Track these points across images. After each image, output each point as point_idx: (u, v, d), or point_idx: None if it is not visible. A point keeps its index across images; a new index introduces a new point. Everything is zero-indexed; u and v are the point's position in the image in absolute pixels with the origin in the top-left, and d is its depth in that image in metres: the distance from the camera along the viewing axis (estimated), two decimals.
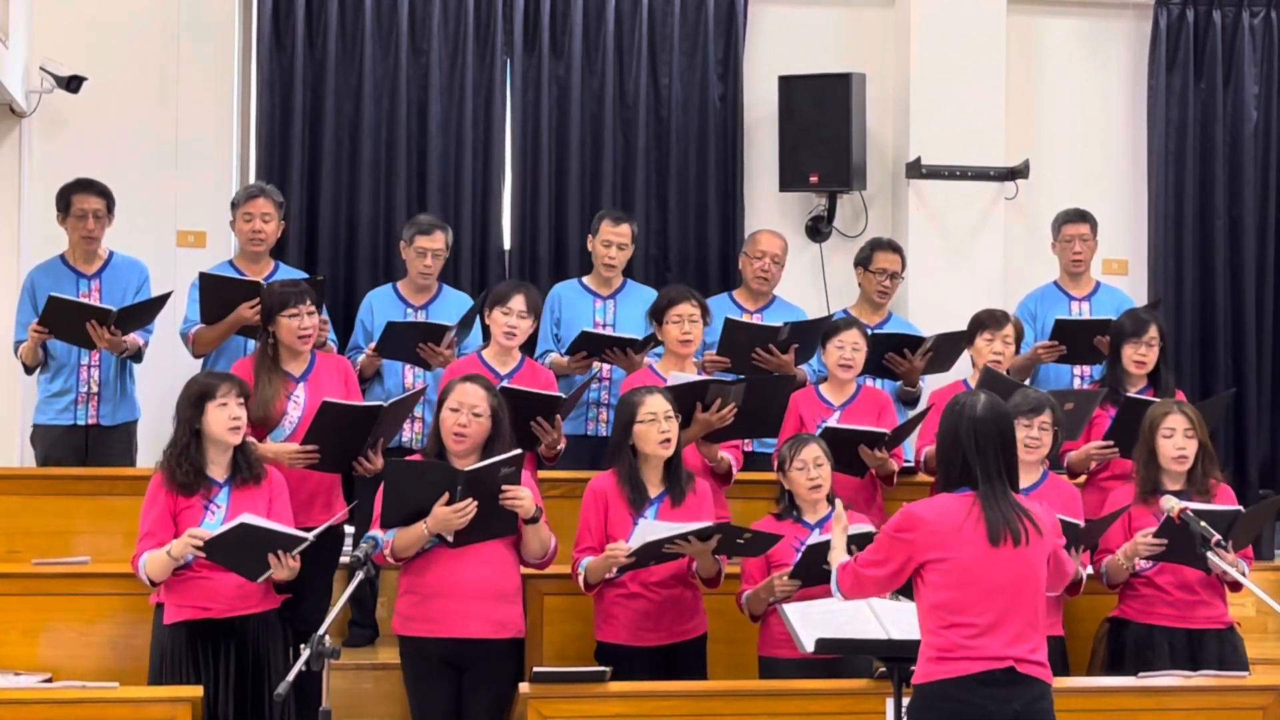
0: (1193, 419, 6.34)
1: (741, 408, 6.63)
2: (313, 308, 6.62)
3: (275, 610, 5.99)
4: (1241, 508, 6.28)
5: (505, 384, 6.65)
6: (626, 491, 6.10)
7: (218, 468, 5.94)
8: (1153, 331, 7.15)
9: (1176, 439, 6.32)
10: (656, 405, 6.09)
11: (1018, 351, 7.43)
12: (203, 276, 7.20)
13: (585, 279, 7.95)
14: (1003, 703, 4.73)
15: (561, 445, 6.90)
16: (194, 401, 5.93)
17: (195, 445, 5.92)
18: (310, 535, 5.75)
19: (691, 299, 7.04)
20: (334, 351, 7.23)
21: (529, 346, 7.32)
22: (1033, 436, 6.32)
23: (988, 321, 7.25)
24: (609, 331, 7.62)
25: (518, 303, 6.89)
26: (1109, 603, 6.47)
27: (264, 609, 5.93)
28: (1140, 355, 7.13)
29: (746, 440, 7.23)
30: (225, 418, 5.89)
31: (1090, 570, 6.33)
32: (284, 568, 5.69)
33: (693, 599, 6.17)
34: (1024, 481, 6.32)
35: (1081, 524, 6.18)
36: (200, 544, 5.63)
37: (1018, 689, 4.75)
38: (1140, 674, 6.00)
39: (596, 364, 7.52)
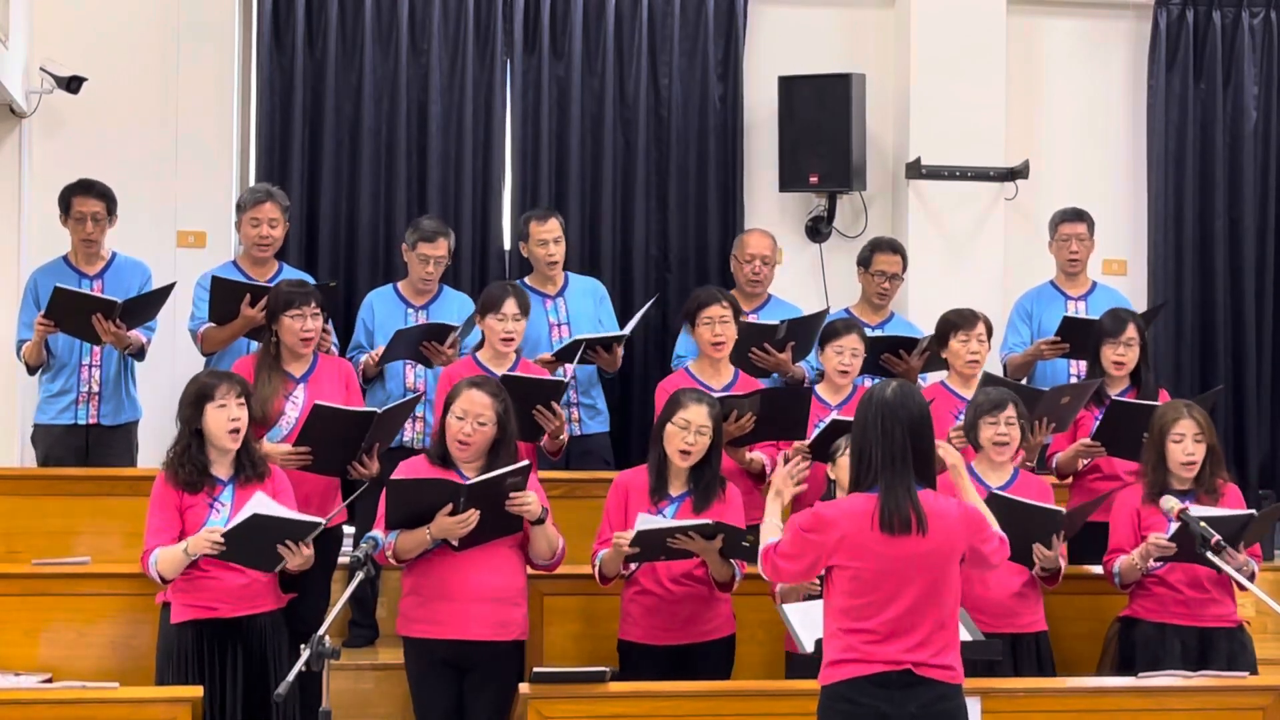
0: (1202, 423, 6.34)
1: (761, 415, 6.64)
2: (317, 309, 6.62)
3: (281, 610, 5.99)
4: (1255, 511, 6.30)
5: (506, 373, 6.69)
6: (651, 481, 6.12)
7: (221, 466, 5.93)
8: (1130, 331, 7.12)
9: (1186, 444, 6.33)
10: (692, 415, 6.07)
11: (989, 348, 7.41)
12: (214, 280, 7.20)
13: (528, 279, 7.91)
14: (898, 704, 4.72)
15: (565, 437, 6.93)
16: (193, 402, 5.91)
17: (197, 445, 5.91)
18: (322, 521, 5.75)
19: (721, 300, 7.03)
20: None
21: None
22: (1000, 433, 6.33)
23: (959, 322, 7.18)
24: (565, 330, 7.65)
25: (510, 307, 6.88)
26: (1118, 602, 6.48)
27: (271, 609, 5.93)
28: (1119, 355, 7.11)
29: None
30: (224, 419, 5.87)
31: (1064, 563, 6.32)
32: (298, 555, 5.68)
33: (713, 600, 6.13)
34: (995, 480, 6.37)
35: (1063, 510, 6.17)
36: (220, 539, 5.61)
37: (914, 690, 4.73)
38: (1140, 674, 6.00)
39: (563, 365, 7.54)
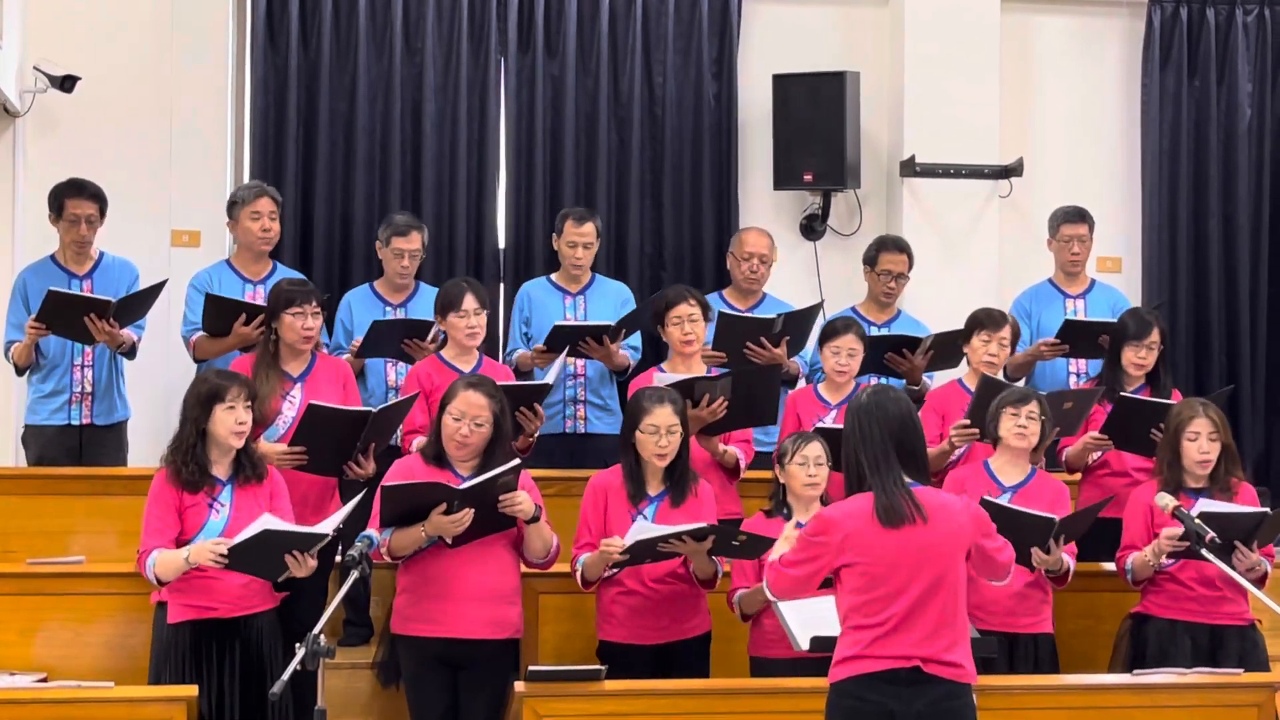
0: (1217, 422, 6.38)
1: (732, 399, 6.65)
2: (318, 308, 6.63)
3: (275, 610, 5.98)
4: (1268, 510, 6.31)
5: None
6: (628, 487, 6.12)
7: (220, 466, 5.92)
8: (1154, 335, 7.15)
9: (1201, 442, 6.36)
10: (660, 419, 6.08)
11: (1013, 353, 7.42)
12: (208, 297, 7.19)
13: (553, 276, 7.98)
14: (906, 701, 4.74)
15: (534, 440, 6.96)
16: (202, 402, 5.89)
17: (201, 445, 5.90)
18: (330, 531, 5.75)
19: (689, 298, 7.04)
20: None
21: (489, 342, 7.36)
22: (1020, 425, 6.37)
23: (985, 321, 7.21)
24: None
25: (470, 302, 6.88)
26: (1119, 599, 6.49)
27: (267, 608, 5.93)
28: (1140, 358, 7.14)
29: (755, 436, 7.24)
30: (231, 421, 5.86)
31: (1073, 564, 6.34)
32: (303, 567, 5.67)
33: (694, 597, 6.16)
34: (1012, 479, 6.39)
35: (1058, 518, 6.18)
36: (224, 553, 5.59)
37: (922, 688, 4.75)
38: (1135, 671, 6.01)
39: (570, 360, 7.54)
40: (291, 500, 6.14)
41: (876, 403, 4.92)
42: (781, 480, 6.18)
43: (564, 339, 7.37)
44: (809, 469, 6.08)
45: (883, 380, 7.65)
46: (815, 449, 6.10)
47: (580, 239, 7.81)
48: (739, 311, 7.91)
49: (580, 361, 7.60)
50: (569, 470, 7.40)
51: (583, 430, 7.71)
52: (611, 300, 7.86)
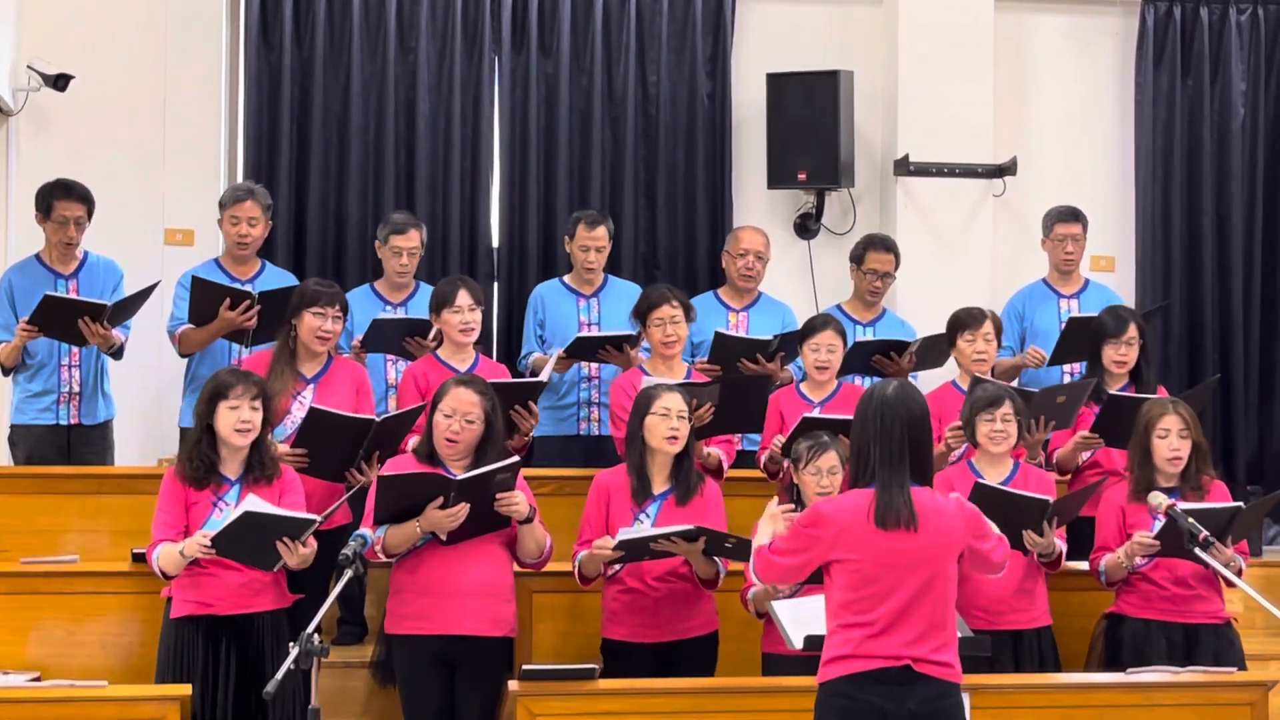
0: (1188, 420, 6.35)
1: (719, 406, 6.67)
2: (339, 312, 6.62)
3: (286, 611, 5.97)
4: (1242, 504, 6.31)
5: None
6: (632, 483, 6.13)
7: (231, 465, 5.93)
8: (1132, 330, 7.15)
9: (1171, 440, 6.33)
10: (671, 403, 6.11)
11: (999, 346, 7.42)
12: (194, 280, 7.19)
13: (566, 278, 7.98)
14: (898, 701, 4.73)
15: (529, 439, 6.96)
16: (208, 398, 5.92)
17: (208, 441, 5.91)
18: (318, 518, 5.75)
19: (671, 300, 7.06)
20: None
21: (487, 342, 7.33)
22: (996, 429, 6.36)
23: (966, 320, 7.22)
24: (596, 329, 7.64)
25: (463, 299, 6.90)
26: (1106, 599, 6.48)
27: (272, 609, 5.92)
28: (1120, 355, 7.14)
29: (737, 437, 7.25)
30: (234, 419, 5.86)
31: (1064, 547, 6.36)
32: (294, 554, 5.68)
33: (696, 597, 6.14)
34: (996, 476, 6.38)
35: (1052, 499, 6.19)
36: (209, 543, 5.61)
37: (914, 688, 4.75)
38: (1129, 670, 6.01)
39: (585, 364, 7.54)
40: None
41: (900, 399, 4.88)
42: (795, 482, 6.18)
43: (584, 348, 7.37)
44: (822, 479, 6.04)
45: (866, 381, 7.66)
46: (830, 459, 6.04)
47: (593, 243, 7.81)
48: (733, 310, 7.92)
49: (594, 365, 7.60)
50: (563, 470, 7.40)
51: (597, 433, 7.69)
52: (626, 302, 7.82)
